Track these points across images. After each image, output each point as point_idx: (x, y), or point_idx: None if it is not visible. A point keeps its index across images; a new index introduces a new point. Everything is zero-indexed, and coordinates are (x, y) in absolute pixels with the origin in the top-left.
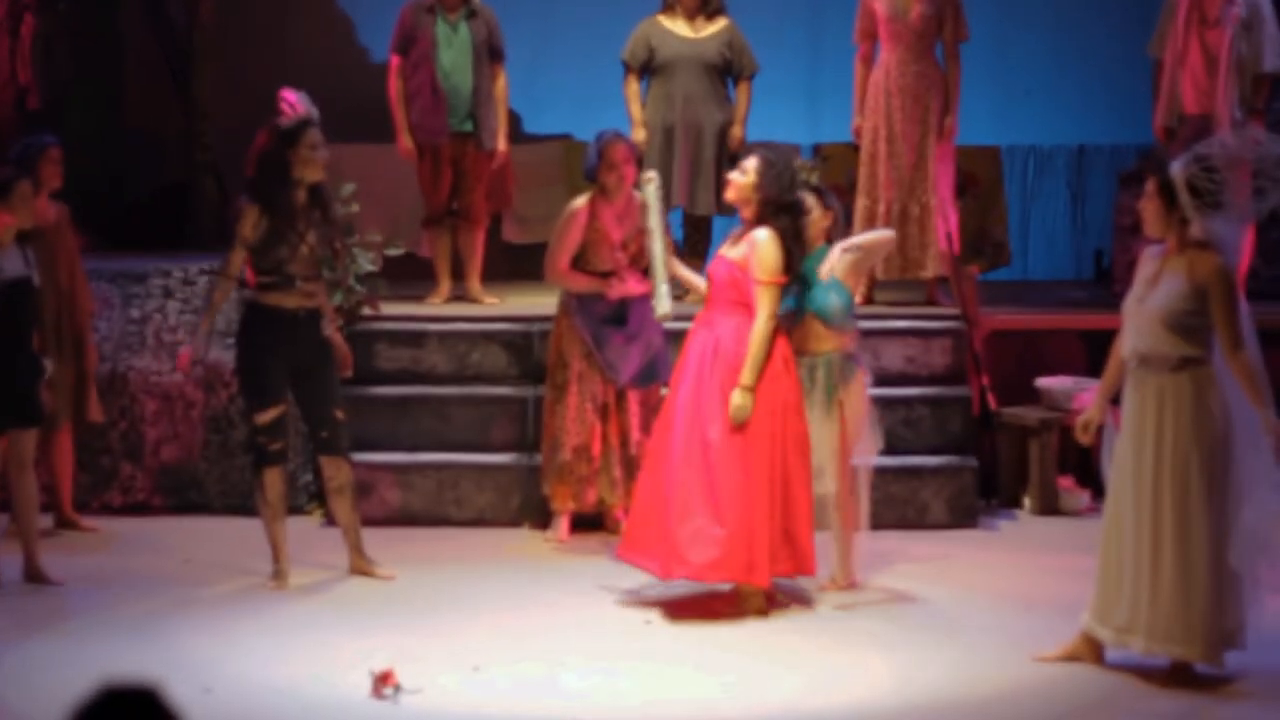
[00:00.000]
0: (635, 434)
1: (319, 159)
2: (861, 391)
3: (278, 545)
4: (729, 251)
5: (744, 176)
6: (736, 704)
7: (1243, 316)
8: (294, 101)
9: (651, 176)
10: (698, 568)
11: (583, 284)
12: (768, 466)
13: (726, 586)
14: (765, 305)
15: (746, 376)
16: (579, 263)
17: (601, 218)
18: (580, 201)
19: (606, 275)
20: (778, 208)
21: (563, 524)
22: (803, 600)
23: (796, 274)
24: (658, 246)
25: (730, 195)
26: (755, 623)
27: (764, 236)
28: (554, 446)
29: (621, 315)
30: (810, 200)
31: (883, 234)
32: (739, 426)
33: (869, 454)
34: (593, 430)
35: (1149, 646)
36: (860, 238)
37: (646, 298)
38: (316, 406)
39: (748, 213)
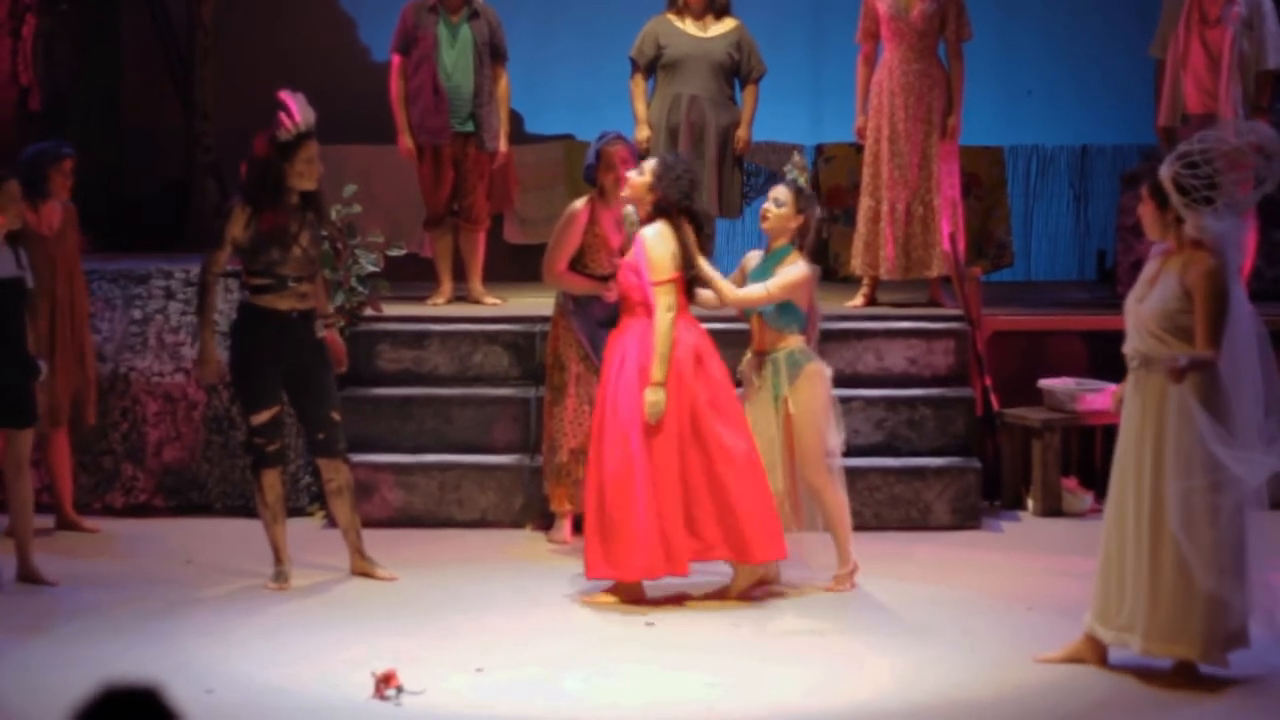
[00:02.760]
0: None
1: (314, 171)
2: (812, 390)
3: (278, 547)
4: (628, 255)
5: (640, 176)
6: (738, 705)
7: (1239, 319)
8: (293, 109)
9: (632, 213)
10: (594, 569)
11: (580, 286)
12: (676, 463)
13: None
14: (662, 301)
15: (655, 373)
16: (577, 265)
17: (600, 221)
18: (579, 204)
19: (604, 278)
20: (673, 210)
21: (565, 526)
22: (805, 600)
23: (692, 270)
24: None
25: (625, 193)
26: (757, 624)
27: (649, 235)
28: (552, 448)
29: (618, 318)
30: (786, 195)
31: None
32: (655, 423)
33: (834, 452)
34: (590, 432)
35: (1147, 647)
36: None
37: None
38: (313, 408)
39: (643, 212)
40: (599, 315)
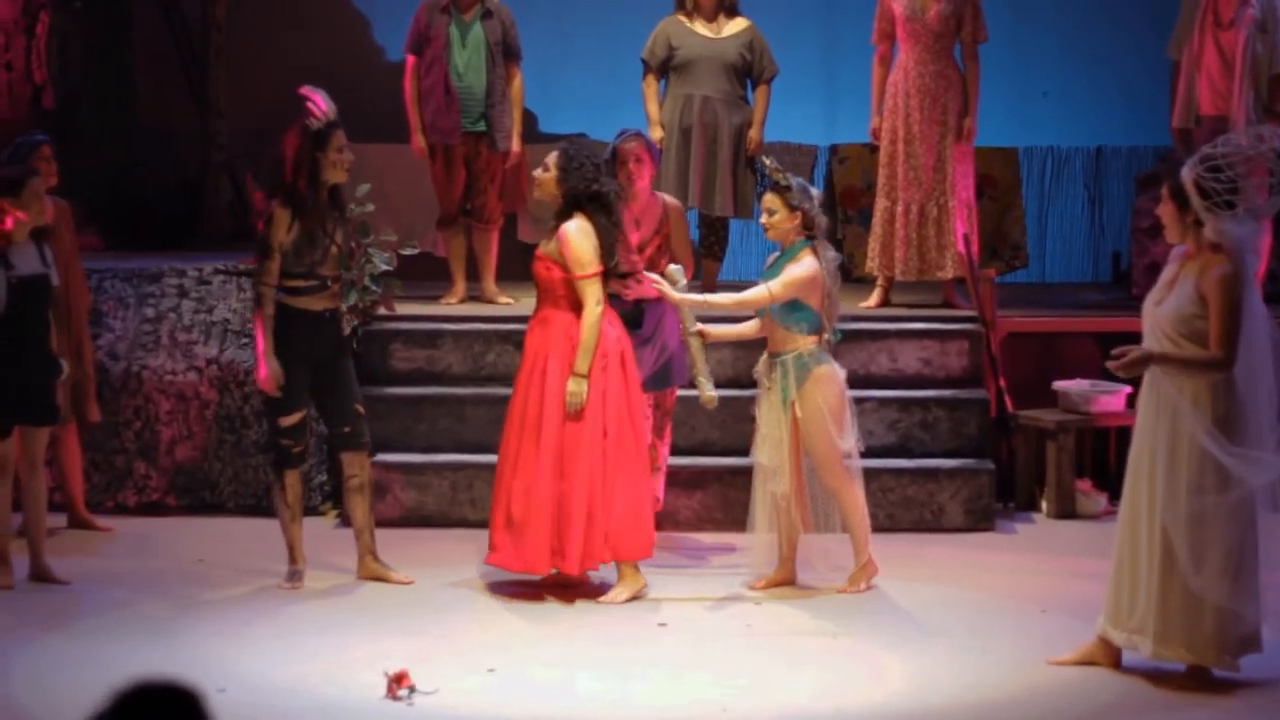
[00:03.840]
0: (648, 437)
1: (345, 160)
2: (821, 393)
3: (295, 546)
4: (544, 248)
5: (545, 172)
6: (751, 706)
7: (1254, 323)
8: (317, 100)
9: (678, 273)
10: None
11: None
12: (594, 455)
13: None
14: (591, 295)
15: (580, 364)
16: None
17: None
18: None
19: (622, 276)
20: (584, 199)
21: None
22: (818, 601)
23: (614, 260)
24: (694, 342)
25: (536, 194)
26: (770, 626)
27: (571, 230)
28: None
29: (636, 318)
30: (774, 201)
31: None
32: (575, 413)
33: (849, 454)
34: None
35: (1158, 650)
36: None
37: (662, 301)
38: (337, 401)
39: (556, 205)
40: (618, 311)
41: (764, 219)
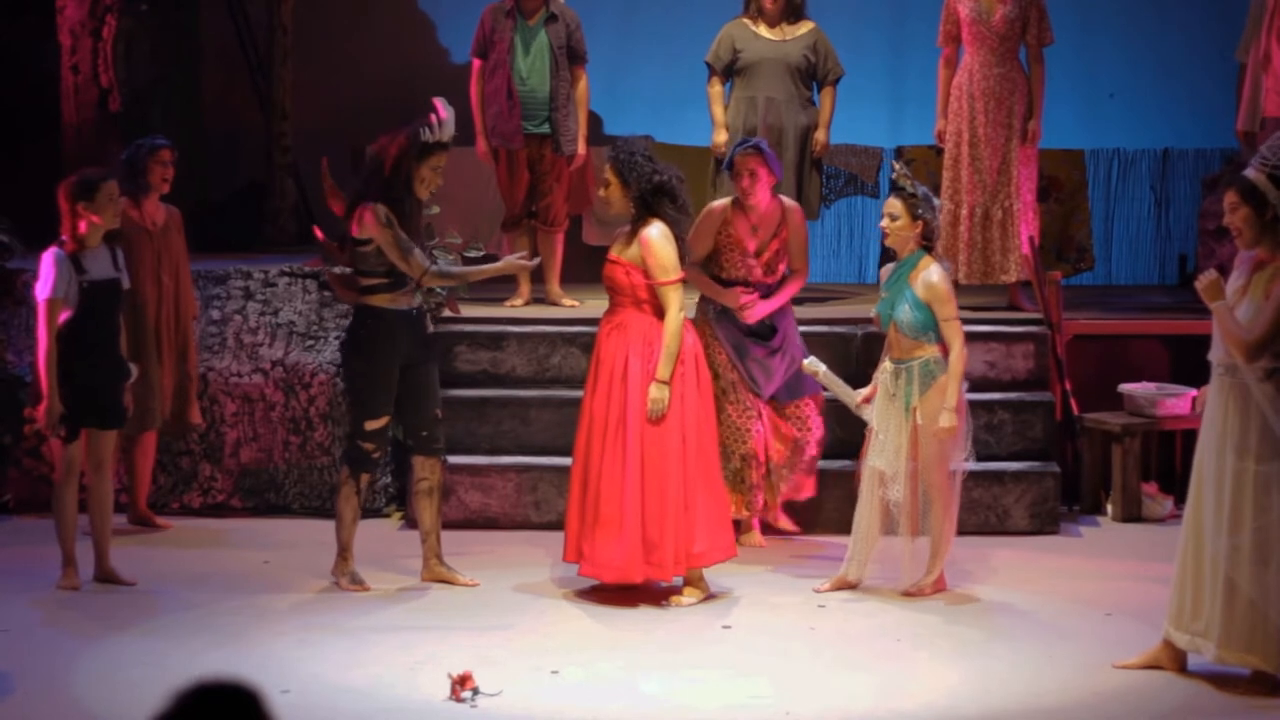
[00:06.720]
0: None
1: (435, 182)
2: (941, 401)
3: (350, 546)
4: (620, 253)
5: (608, 187)
6: (814, 709)
7: None
8: (442, 114)
9: (814, 364)
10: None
11: (704, 287)
12: (676, 462)
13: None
14: (674, 301)
15: (662, 370)
16: (711, 266)
17: (736, 224)
18: (721, 201)
19: (732, 283)
20: (652, 194)
21: (755, 529)
22: (882, 604)
23: (686, 253)
24: (865, 412)
25: (611, 211)
26: (833, 628)
27: (654, 236)
28: (725, 456)
29: (767, 332)
30: (898, 207)
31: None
32: (657, 419)
33: (957, 463)
34: (756, 437)
35: (1221, 655)
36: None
37: (785, 311)
38: (420, 405)
39: (629, 216)
40: (742, 324)
41: (885, 223)
